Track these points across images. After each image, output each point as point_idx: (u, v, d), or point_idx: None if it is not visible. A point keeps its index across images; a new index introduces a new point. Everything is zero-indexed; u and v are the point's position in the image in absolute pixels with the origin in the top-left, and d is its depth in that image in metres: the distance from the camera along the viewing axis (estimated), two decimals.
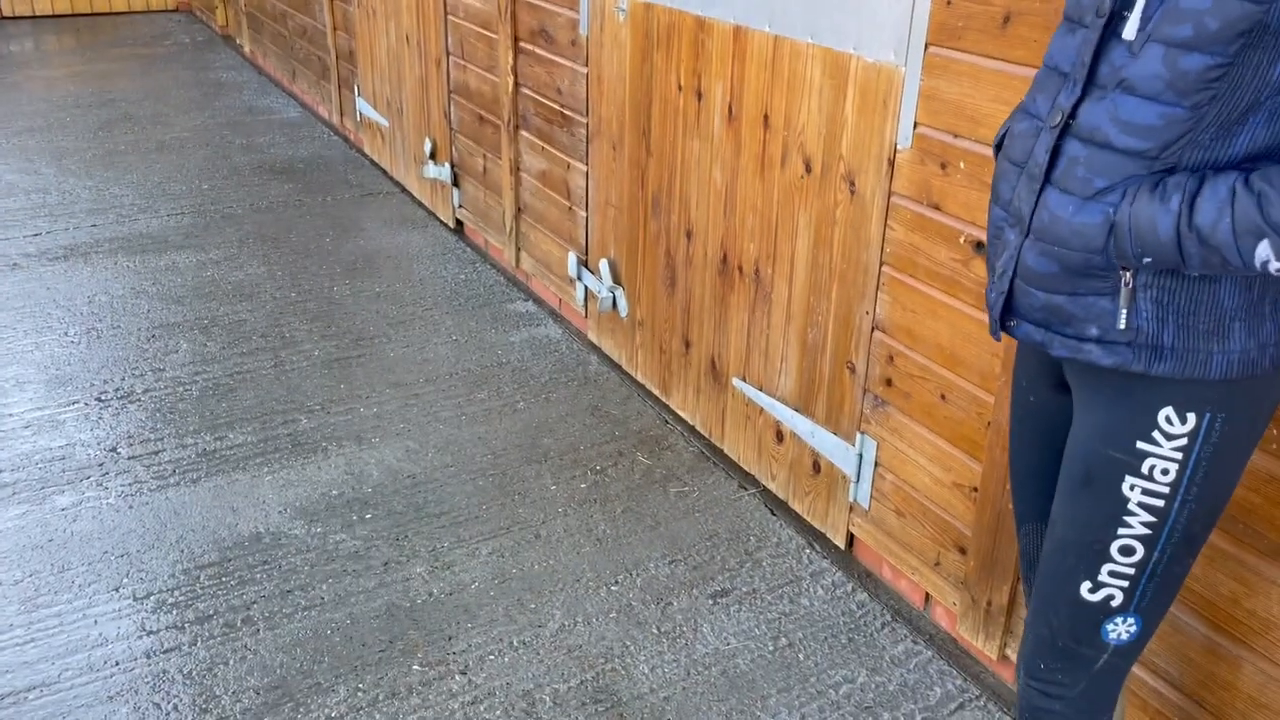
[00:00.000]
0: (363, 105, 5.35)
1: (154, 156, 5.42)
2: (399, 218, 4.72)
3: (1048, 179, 1.25)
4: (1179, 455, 1.26)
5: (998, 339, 1.41)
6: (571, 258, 3.58)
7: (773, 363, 2.65)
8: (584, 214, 3.47)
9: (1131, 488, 1.29)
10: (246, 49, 7.70)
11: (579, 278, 3.57)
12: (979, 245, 1.97)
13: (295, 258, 4.22)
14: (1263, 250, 1.11)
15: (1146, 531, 1.30)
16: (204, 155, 5.48)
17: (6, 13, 8.78)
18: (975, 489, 2.11)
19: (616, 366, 3.43)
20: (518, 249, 4.01)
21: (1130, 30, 1.16)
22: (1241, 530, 1.62)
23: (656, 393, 3.23)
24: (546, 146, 3.65)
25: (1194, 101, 1.12)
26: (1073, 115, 1.22)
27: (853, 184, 2.26)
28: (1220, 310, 1.20)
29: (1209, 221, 1.12)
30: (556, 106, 3.53)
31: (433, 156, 4.60)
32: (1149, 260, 1.18)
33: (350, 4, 5.28)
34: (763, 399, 2.71)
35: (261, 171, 5.26)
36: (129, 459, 2.85)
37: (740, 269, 2.70)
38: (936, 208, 2.06)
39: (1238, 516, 1.62)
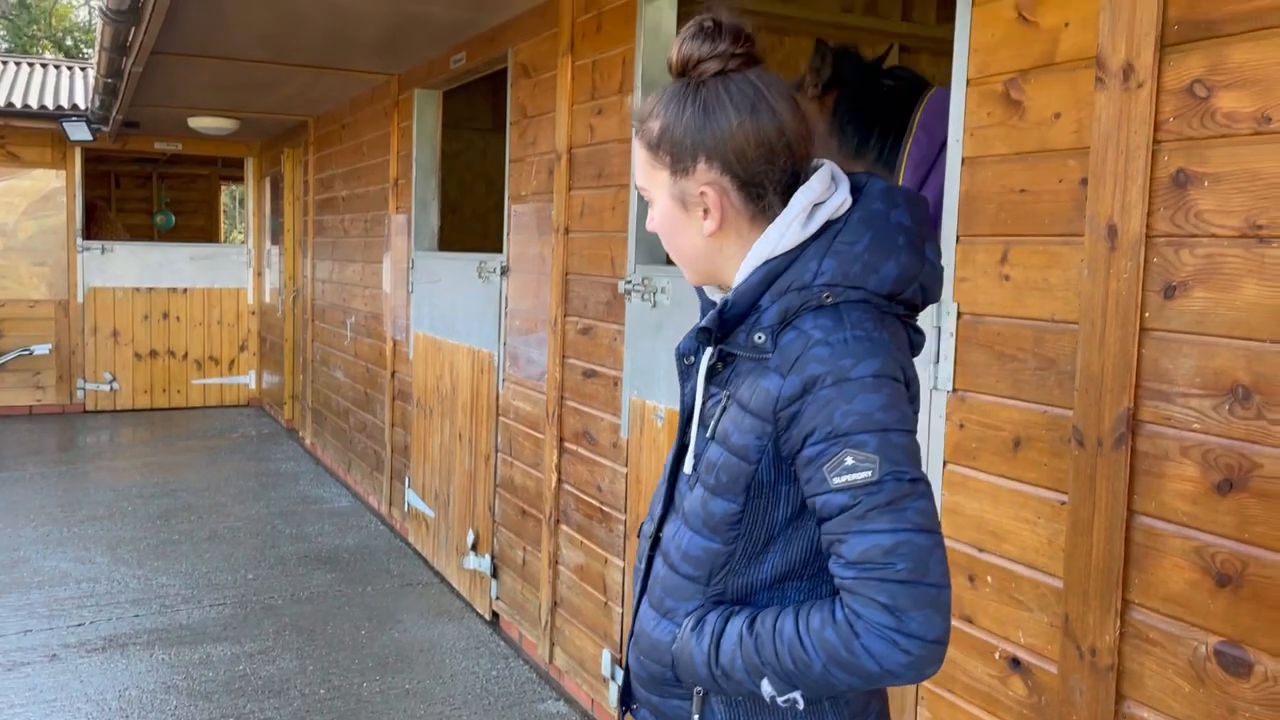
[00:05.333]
0: (412, 496, 5.57)
1: (205, 546, 5.59)
2: (436, 608, 4.72)
3: (643, 587, 1.38)
4: None
5: None
6: (606, 655, 3.53)
7: None
8: (619, 610, 3.47)
9: None
10: (308, 441, 8.16)
11: (613, 677, 3.49)
12: (1014, 661, 1.94)
13: (329, 651, 4.19)
14: (766, 687, 1.23)
15: None
16: (253, 545, 5.64)
17: (90, 407, 9.49)
18: None
19: None
20: (552, 644, 3.97)
21: (687, 465, 1.33)
22: None
23: None
24: (585, 541, 3.73)
25: (725, 538, 1.27)
26: (659, 529, 1.37)
27: None
28: (779, 710, 1.27)
29: (728, 661, 1.25)
30: (596, 503, 3.65)
31: (474, 547, 4.70)
32: (700, 690, 1.30)
33: (410, 403, 5.67)
34: None
35: (306, 561, 5.37)
36: None
37: None
38: (969, 620, 2.05)
39: None
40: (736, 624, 1.25)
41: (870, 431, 1.15)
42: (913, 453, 1.18)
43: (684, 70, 1.25)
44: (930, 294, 1.28)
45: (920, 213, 1.28)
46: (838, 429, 1.16)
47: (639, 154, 1.32)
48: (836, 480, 1.16)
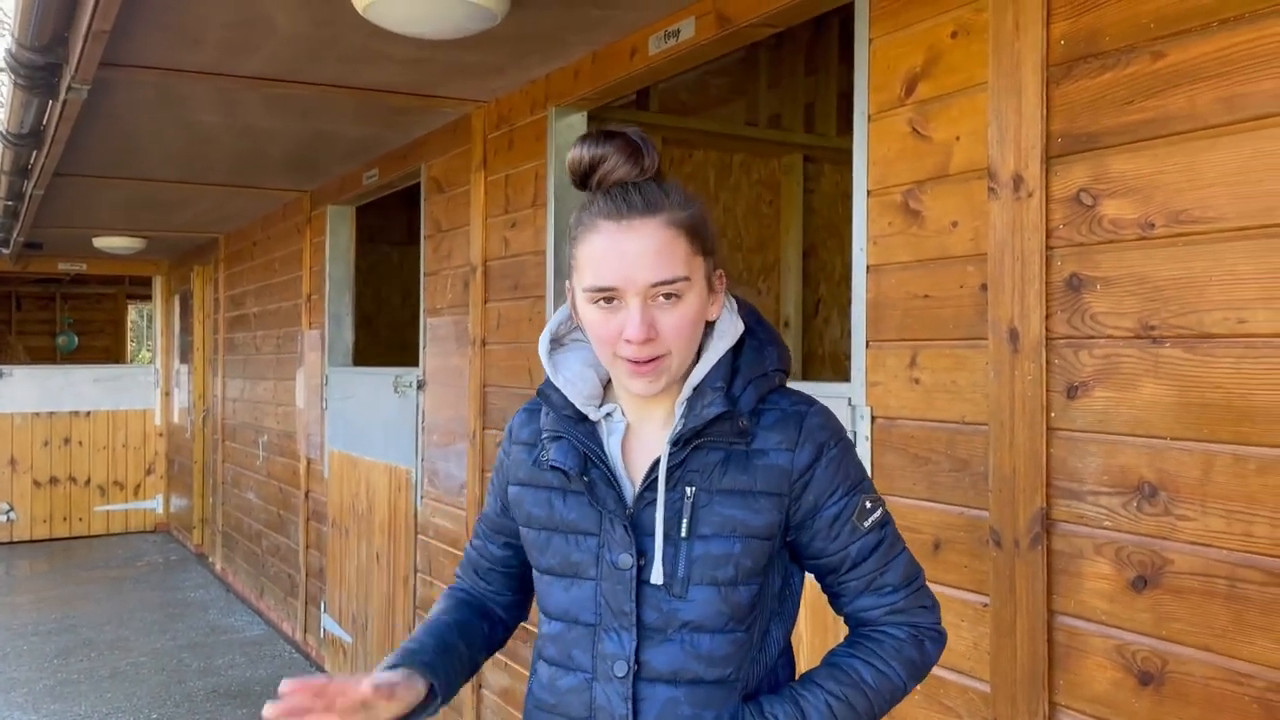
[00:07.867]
0: (328, 622, 5.34)
1: (106, 685, 5.25)
2: None
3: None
4: None
5: None
6: None
7: None
8: None
9: None
10: (218, 567, 7.83)
11: None
12: None
13: None
14: None
15: None
16: (158, 681, 5.32)
17: None
18: None
19: None
20: None
21: (657, 575, 1.27)
22: None
23: None
24: (510, 663, 3.61)
25: (747, 623, 1.29)
26: (636, 660, 1.28)
27: None
28: None
29: None
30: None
31: None
32: None
33: (325, 524, 5.49)
34: None
35: (215, 696, 5.08)
36: None
37: None
38: None
39: None
40: (814, 699, 1.28)
41: (866, 476, 1.35)
42: None
43: (651, 172, 1.26)
44: None
45: None
46: (853, 481, 1.32)
47: (675, 243, 1.24)
48: (866, 524, 1.31)
